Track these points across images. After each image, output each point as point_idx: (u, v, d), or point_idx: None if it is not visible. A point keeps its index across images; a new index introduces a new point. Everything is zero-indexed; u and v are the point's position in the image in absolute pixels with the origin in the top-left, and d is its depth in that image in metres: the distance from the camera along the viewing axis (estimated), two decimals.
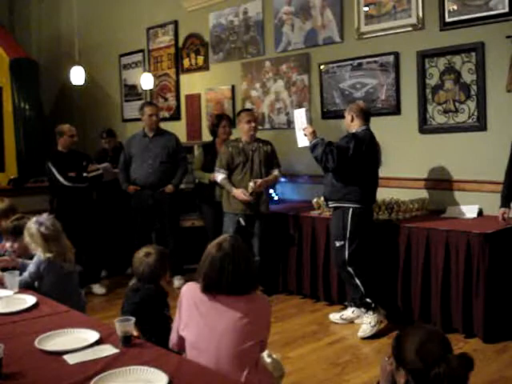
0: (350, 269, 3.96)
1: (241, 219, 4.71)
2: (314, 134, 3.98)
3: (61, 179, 5.00)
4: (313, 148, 3.92)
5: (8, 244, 3.27)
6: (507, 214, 3.74)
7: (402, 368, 1.55)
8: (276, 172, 4.85)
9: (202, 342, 2.13)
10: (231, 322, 2.12)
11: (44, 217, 3.06)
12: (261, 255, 4.75)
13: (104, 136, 6.02)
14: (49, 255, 2.94)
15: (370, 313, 3.94)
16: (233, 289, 2.16)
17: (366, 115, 4.05)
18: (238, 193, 4.65)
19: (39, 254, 2.96)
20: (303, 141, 4.07)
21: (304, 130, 4.04)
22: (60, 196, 5.11)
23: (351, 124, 4.02)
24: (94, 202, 5.44)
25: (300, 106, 5.29)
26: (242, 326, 2.12)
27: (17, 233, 3.20)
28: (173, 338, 2.27)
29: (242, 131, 4.81)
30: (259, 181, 4.64)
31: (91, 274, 5.11)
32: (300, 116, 4.12)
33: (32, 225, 3.00)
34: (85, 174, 5.10)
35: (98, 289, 5.14)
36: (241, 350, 2.11)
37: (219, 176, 4.77)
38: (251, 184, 4.62)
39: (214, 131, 5.29)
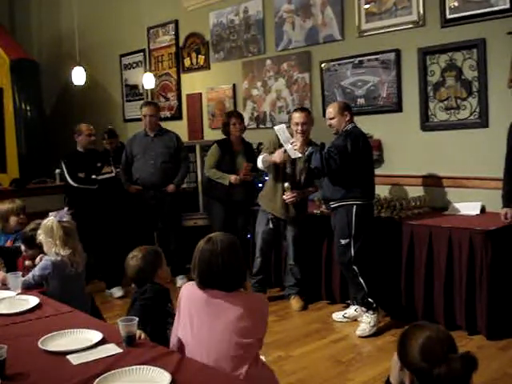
0: (354, 267, 3.95)
1: (270, 221, 4.53)
2: (303, 145, 3.97)
3: (69, 179, 4.94)
4: (309, 159, 3.89)
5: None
6: (510, 214, 3.69)
7: (406, 368, 1.54)
8: (317, 183, 4.54)
9: (200, 342, 2.11)
10: (230, 322, 2.11)
11: (65, 211, 3.04)
12: (296, 261, 4.53)
13: (105, 137, 6.01)
14: (64, 252, 2.90)
15: (371, 312, 3.93)
16: (224, 282, 2.14)
17: (352, 112, 4.08)
18: (279, 151, 4.25)
19: (47, 257, 2.94)
20: (295, 153, 4.08)
21: (292, 144, 4.03)
22: (71, 196, 5.05)
23: (344, 123, 3.98)
24: (109, 204, 5.17)
25: (301, 105, 5.29)
26: (240, 326, 2.11)
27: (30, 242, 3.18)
28: (173, 340, 2.24)
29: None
30: (294, 192, 4.35)
31: (112, 277, 5.05)
32: (282, 131, 4.13)
33: (52, 220, 2.95)
34: (93, 176, 4.98)
35: (117, 292, 5.00)
36: (240, 349, 2.10)
37: (261, 155, 4.42)
38: (286, 184, 4.35)
39: (226, 130, 4.97)
